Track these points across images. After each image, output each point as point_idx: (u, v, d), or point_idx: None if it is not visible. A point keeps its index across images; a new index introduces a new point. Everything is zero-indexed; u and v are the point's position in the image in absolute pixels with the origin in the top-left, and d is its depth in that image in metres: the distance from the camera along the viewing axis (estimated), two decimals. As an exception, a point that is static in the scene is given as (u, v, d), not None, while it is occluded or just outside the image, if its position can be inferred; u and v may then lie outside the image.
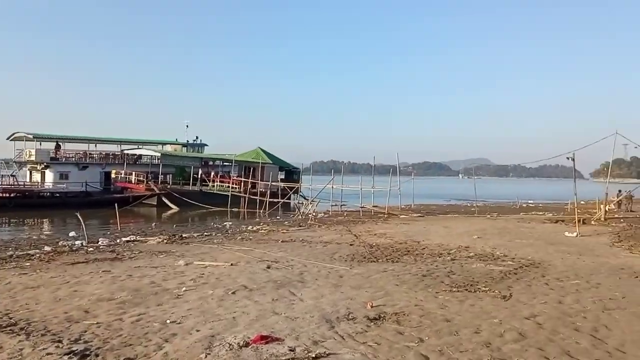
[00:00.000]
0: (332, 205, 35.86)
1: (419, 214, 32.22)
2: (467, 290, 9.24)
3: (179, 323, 7.03)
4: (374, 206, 34.46)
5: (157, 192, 40.66)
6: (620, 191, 37.75)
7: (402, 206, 36.61)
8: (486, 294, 8.94)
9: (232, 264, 12.19)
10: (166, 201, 39.91)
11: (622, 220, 26.56)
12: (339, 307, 7.98)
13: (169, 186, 42.26)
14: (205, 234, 21.07)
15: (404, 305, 8.08)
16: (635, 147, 32.09)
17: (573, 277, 10.47)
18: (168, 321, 7.13)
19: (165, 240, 17.98)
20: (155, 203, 40.00)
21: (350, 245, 16.27)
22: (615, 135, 28.23)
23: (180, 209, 38.45)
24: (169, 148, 52.79)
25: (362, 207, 34.06)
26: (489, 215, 31.26)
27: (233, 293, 9.10)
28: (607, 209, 29.12)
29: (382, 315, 7.42)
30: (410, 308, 7.87)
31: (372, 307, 8.00)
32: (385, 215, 31.11)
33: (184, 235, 19.68)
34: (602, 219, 26.38)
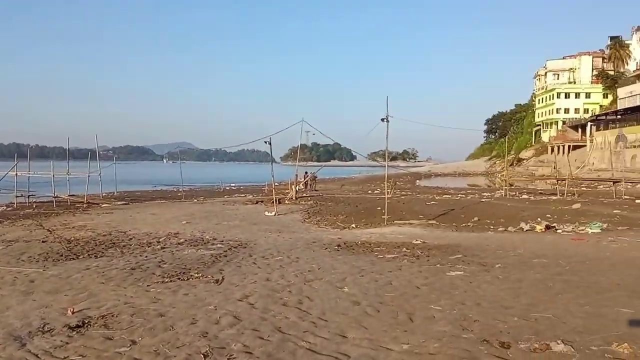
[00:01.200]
0: (16, 197, 30.61)
1: (124, 202, 30.39)
2: (180, 279, 8.98)
3: None
4: (70, 195, 30.89)
5: None
6: (306, 173, 43.21)
7: (104, 194, 33.88)
8: (199, 280, 8.85)
9: None
10: None
11: (309, 198, 30.46)
12: (31, 319, 6.70)
13: None
14: None
15: (112, 305, 7.31)
16: (314, 134, 37.04)
17: (276, 254, 11.33)
18: None
19: None
20: None
21: (43, 242, 14.06)
22: (302, 122, 32.13)
23: None
24: None
25: (55, 197, 30.12)
26: (196, 200, 31.67)
27: None
28: (297, 189, 32.94)
29: (87, 321, 6.53)
30: (120, 307, 7.16)
31: (73, 313, 6.97)
32: (85, 205, 28.23)
33: None
34: (294, 198, 29.76)
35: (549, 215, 18.99)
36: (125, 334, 5.93)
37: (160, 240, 13.98)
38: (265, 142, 25.61)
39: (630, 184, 37.03)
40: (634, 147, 60.12)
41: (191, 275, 9.21)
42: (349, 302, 6.87)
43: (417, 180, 67.73)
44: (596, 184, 46.39)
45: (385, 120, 18.62)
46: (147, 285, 8.49)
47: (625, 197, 31.37)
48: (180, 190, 38.42)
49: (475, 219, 18.77)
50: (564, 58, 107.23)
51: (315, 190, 38.91)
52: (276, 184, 27.59)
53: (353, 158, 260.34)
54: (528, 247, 11.38)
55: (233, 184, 54.23)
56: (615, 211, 20.11)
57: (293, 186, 32.63)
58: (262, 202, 28.00)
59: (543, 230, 14.87)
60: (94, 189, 32.71)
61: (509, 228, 15.86)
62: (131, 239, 14.35)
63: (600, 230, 14.51)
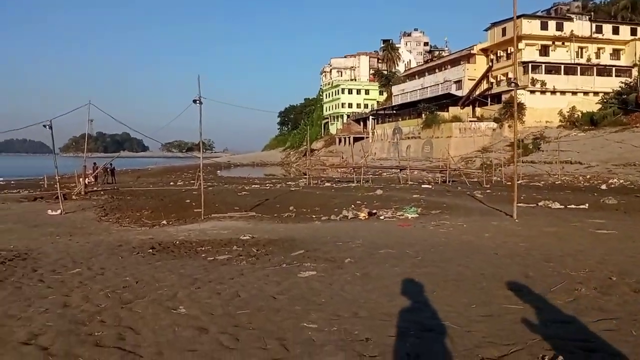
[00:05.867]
0: None
1: None
2: None
3: None
4: None
5: None
6: (95, 164, 38.16)
7: None
8: (-46, 315, 6.07)
9: None
10: None
11: (102, 192, 26.61)
12: None
13: None
14: None
15: None
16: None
17: (72, 265, 8.76)
18: None
19: None
20: None
21: None
22: (89, 105, 27.80)
23: None
24: None
25: None
26: (-54, 199, 25.07)
27: None
28: (87, 182, 28.60)
29: None
30: None
31: None
32: None
33: None
34: (83, 193, 25.66)
35: (359, 202, 19.37)
36: None
37: None
38: (45, 126, 21.22)
39: (410, 170, 41.21)
40: (408, 138, 67.96)
41: (-60, 309, 6.30)
42: (192, 330, 5.12)
43: (218, 171, 66.02)
44: (380, 171, 50.96)
45: (197, 102, 16.70)
46: None
47: (410, 182, 34.69)
48: None
49: (292, 208, 18.17)
50: (345, 57, 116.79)
51: (108, 183, 34.53)
52: (58, 177, 23.29)
53: (145, 149, 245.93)
54: (364, 237, 10.86)
55: (1, 178, 45.26)
56: (414, 196, 21.56)
57: (82, 179, 28.16)
58: (42, 198, 23.38)
59: (366, 217, 14.82)
60: None
61: (331, 217, 15.49)
62: None
63: (417, 215, 15.05)
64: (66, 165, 43.09)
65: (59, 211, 17.50)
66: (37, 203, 21.44)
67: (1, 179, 45.32)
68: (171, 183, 35.24)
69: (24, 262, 9.11)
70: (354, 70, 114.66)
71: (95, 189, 29.05)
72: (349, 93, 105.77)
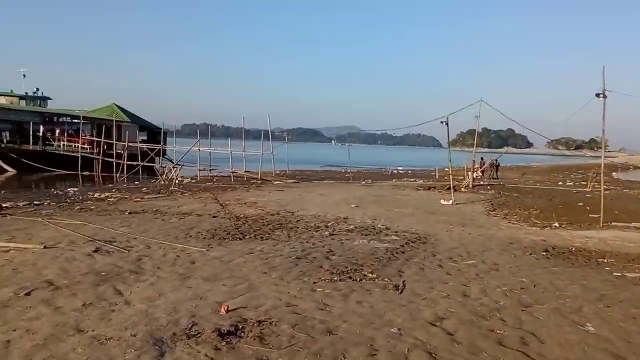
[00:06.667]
0: (200, 170, 32.74)
1: (294, 180, 30.46)
2: (350, 278, 7.35)
3: None
4: (246, 171, 32.01)
5: (-12, 152, 34.19)
6: (482, 159, 39.27)
7: (277, 172, 34.64)
8: (374, 283, 7.12)
9: (45, 247, 9.07)
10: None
11: (488, 187, 27.15)
12: (180, 314, 5.62)
13: (3, 145, 35.70)
14: (36, 202, 17.10)
15: (272, 305, 5.95)
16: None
17: (466, 256, 9.10)
18: None
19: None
20: (-14, 165, 33.75)
21: (213, 217, 13.75)
22: (480, 102, 28.65)
23: (19, 173, 32.81)
24: (2, 100, 44.55)
25: (233, 172, 31.44)
26: (363, 182, 30.48)
27: (27, 294, 6.30)
28: (475, 176, 29.78)
29: (241, 327, 5.22)
30: (280, 311, 5.75)
31: (227, 311, 5.74)
32: (259, 181, 28.90)
33: (3, 205, 15.57)
34: (470, 186, 26.76)
35: None
36: (283, 357, 4.40)
37: (329, 225, 12.65)
38: (442, 122, 23.15)
39: None
40: None
41: (364, 275, 7.51)
42: (607, 355, 4.44)
43: (613, 173, 58.31)
44: None
45: (601, 95, 14.89)
46: (314, 283, 7.02)
47: None
48: (348, 171, 37.72)
49: None
50: None
51: (494, 178, 35.09)
52: (446, 169, 25.05)
53: (529, 145, 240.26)
54: None
55: (400, 168, 52.33)
56: None
57: (470, 173, 29.52)
58: (434, 188, 25.61)
59: None
60: (268, 167, 33.54)
61: None
62: (299, 220, 13.31)
63: None
64: (454, 159, 46.12)
65: (450, 201, 18.71)
66: (431, 192, 23.55)
67: (400, 168, 52.40)
68: (559, 183, 33.04)
69: (424, 246, 10.02)
70: None
71: (482, 183, 29.94)
72: None
